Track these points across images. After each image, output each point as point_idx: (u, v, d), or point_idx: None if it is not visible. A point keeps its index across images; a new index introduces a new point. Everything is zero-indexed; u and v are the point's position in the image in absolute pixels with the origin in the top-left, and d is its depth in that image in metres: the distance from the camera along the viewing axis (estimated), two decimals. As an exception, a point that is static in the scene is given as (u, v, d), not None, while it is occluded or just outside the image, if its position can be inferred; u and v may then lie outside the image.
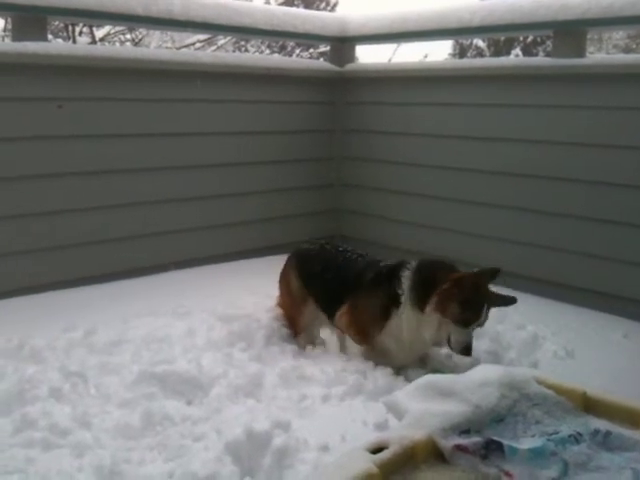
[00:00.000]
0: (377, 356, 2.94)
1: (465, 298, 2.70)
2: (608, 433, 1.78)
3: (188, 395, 2.62)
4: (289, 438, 2.21)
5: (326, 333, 3.28)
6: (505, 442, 1.71)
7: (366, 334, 2.98)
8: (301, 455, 2.18)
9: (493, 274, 2.86)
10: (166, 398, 2.57)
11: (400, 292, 2.88)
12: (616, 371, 2.93)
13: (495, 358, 2.96)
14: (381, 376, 2.80)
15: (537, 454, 1.68)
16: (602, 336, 3.38)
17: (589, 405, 1.94)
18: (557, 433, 1.78)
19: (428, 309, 2.77)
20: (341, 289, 3.10)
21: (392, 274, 2.94)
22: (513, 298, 2.88)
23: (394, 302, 2.90)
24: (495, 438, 1.73)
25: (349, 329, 3.05)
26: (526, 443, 1.73)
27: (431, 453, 1.72)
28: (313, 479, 1.95)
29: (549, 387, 1.97)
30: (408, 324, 2.87)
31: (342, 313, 3.06)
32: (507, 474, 1.63)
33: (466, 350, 2.72)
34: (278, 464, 2.12)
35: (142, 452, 2.23)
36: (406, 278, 2.88)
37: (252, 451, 2.15)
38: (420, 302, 2.82)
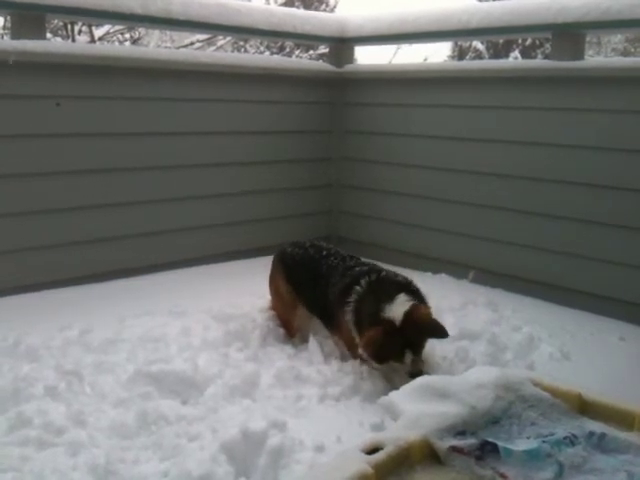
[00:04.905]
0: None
1: (376, 354, 2.71)
2: (603, 435, 1.79)
3: (183, 395, 2.62)
4: (284, 438, 2.21)
5: (322, 334, 3.27)
6: (500, 444, 1.71)
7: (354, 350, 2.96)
8: (296, 455, 2.18)
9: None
10: (161, 397, 2.57)
11: (347, 309, 2.89)
12: (612, 373, 2.93)
13: (491, 360, 2.96)
14: (378, 377, 2.80)
15: (532, 456, 1.68)
16: (598, 338, 3.38)
17: (584, 407, 1.95)
18: (552, 435, 1.78)
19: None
20: (325, 297, 3.12)
21: (350, 287, 2.93)
22: (444, 333, 2.75)
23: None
24: (490, 439, 1.73)
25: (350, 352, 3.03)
26: (521, 445, 1.73)
27: (426, 454, 1.72)
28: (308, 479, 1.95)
29: (545, 389, 1.97)
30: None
31: (337, 337, 3.09)
32: (502, 475, 1.64)
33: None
34: (273, 464, 2.12)
35: (137, 451, 2.23)
36: (352, 299, 2.89)
37: (247, 451, 2.15)
38: (356, 328, 2.84)
